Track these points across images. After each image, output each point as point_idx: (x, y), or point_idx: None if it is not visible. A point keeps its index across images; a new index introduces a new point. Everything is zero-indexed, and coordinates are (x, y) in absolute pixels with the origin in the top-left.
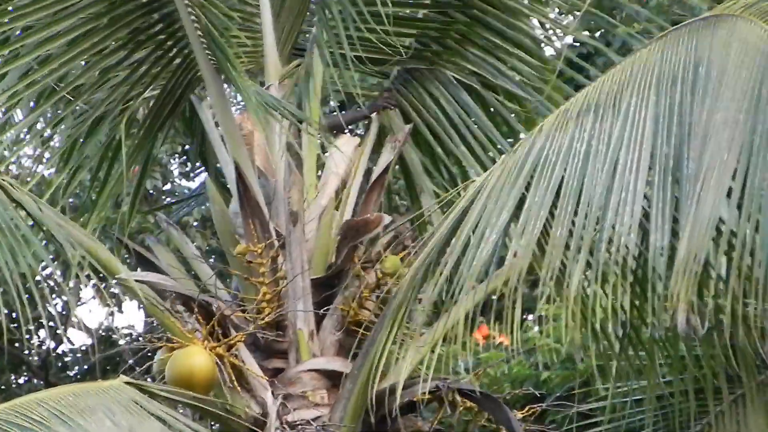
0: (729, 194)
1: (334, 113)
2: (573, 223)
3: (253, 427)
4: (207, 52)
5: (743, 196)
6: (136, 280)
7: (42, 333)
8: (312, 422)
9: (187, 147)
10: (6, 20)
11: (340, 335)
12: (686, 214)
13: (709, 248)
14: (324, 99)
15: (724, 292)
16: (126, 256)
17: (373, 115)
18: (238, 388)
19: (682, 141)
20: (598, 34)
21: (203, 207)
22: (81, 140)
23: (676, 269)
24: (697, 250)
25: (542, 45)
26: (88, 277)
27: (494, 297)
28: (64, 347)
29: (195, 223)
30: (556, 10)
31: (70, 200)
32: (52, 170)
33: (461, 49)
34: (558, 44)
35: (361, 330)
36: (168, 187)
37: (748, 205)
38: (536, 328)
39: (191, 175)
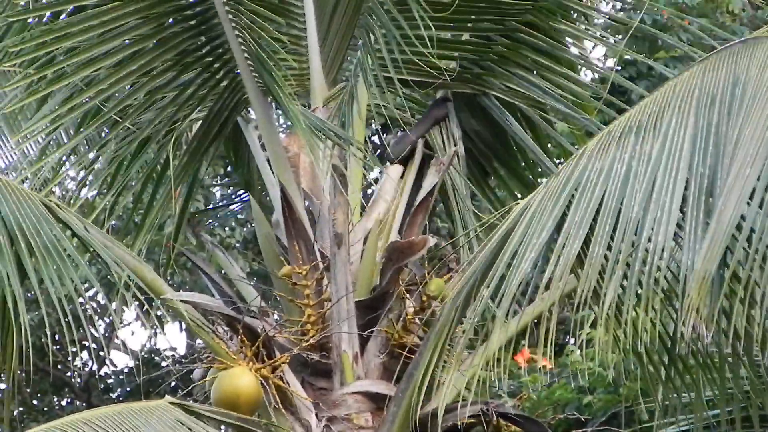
0: (750, 199)
1: (384, 143)
2: (612, 239)
3: None
4: (254, 74)
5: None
6: (182, 301)
7: (84, 355)
8: None
9: (229, 169)
10: (52, 39)
11: (384, 358)
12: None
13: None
14: (367, 122)
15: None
16: (170, 276)
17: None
18: (283, 410)
19: (717, 161)
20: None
21: (245, 229)
22: (126, 162)
23: (694, 278)
24: (712, 260)
25: (584, 68)
26: (135, 297)
27: (535, 321)
28: (107, 369)
29: (237, 245)
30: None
31: (113, 222)
32: (95, 192)
33: (505, 70)
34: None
35: (405, 353)
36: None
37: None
38: (578, 352)
39: (233, 197)
